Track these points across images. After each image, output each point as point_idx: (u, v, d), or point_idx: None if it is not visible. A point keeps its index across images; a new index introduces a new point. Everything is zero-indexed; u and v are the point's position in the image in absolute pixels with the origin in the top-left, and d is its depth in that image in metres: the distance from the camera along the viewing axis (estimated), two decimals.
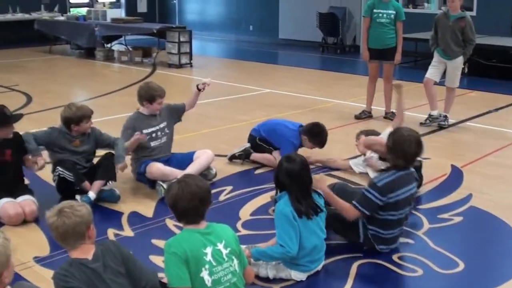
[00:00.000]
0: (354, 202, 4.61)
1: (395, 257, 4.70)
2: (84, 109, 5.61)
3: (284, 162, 4.31)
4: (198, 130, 8.37)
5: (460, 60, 8.74)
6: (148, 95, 6.09)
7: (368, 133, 6.85)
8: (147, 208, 5.60)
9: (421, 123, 8.87)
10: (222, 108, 10.08)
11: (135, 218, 5.38)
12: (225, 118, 9.25)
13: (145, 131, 6.11)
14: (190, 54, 14.79)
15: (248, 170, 6.77)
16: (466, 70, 13.53)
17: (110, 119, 8.99)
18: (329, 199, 4.63)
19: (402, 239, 4.92)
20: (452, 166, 6.91)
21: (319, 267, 4.41)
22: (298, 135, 6.80)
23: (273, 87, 11.95)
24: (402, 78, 9.40)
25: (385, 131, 6.38)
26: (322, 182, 4.63)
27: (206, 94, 11.22)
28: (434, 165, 6.85)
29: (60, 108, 9.81)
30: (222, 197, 5.87)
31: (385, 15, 8.83)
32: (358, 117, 9.24)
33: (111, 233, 5.03)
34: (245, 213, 5.50)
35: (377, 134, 6.74)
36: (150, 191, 5.98)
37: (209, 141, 7.80)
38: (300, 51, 18.23)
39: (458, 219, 5.49)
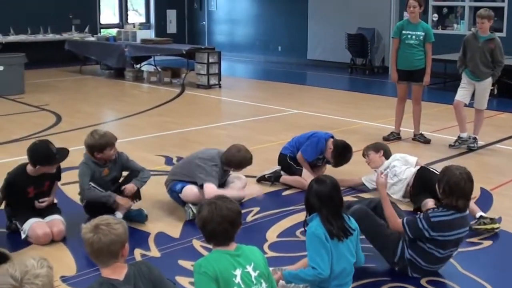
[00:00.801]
0: (404, 219, 4.63)
1: (423, 282, 4.65)
2: (108, 137, 5.61)
3: (314, 184, 4.31)
4: None
5: (489, 81, 8.68)
6: (238, 162, 6.16)
7: (376, 146, 6.97)
8: (174, 228, 5.62)
9: (450, 145, 8.80)
10: (248, 129, 10.10)
11: (162, 238, 5.40)
12: (251, 139, 9.25)
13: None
14: (219, 75, 14.87)
15: (276, 191, 6.78)
16: (495, 91, 13.41)
17: (139, 139, 9.07)
18: (383, 203, 4.72)
19: None
20: (481, 188, 6.82)
21: None
22: (325, 141, 6.85)
23: (301, 108, 11.95)
24: (431, 99, 9.34)
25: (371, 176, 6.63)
26: (383, 183, 4.78)
27: (232, 116, 11.38)
28: None
29: (90, 128, 10.09)
30: (249, 218, 5.87)
31: (414, 37, 8.80)
32: (386, 139, 9.19)
33: (138, 253, 5.05)
34: (272, 234, 5.49)
35: (386, 148, 6.90)
36: (178, 211, 6.00)
37: None
38: (328, 72, 18.23)
39: (487, 243, 5.42)
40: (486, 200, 6.48)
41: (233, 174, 6.44)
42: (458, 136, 8.89)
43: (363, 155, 6.96)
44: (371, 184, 6.69)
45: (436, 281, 4.68)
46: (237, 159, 6.03)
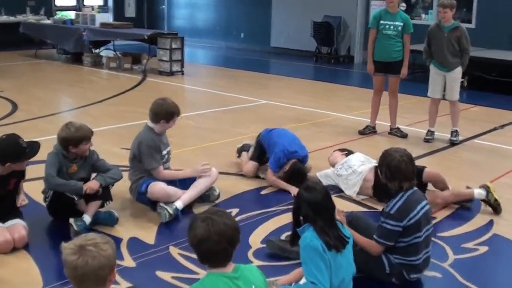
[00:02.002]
0: (375, 237, 4.35)
1: None
2: (84, 130, 5.11)
3: (304, 192, 3.91)
4: (196, 144, 7.93)
5: (458, 71, 8.45)
6: (167, 112, 5.64)
7: (343, 149, 6.89)
8: (148, 233, 5.15)
9: (425, 140, 8.55)
10: (217, 120, 9.63)
11: (136, 245, 4.92)
12: (223, 131, 8.82)
13: (163, 152, 5.74)
14: (182, 61, 14.34)
15: (254, 190, 6.35)
16: (465, 84, 13.24)
17: (102, 130, 8.50)
18: (354, 237, 4.27)
19: (428, 273, 4.54)
20: (468, 188, 6.51)
21: None
22: (286, 158, 6.44)
23: (269, 98, 11.53)
24: (401, 91, 9.00)
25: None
26: (341, 216, 4.36)
27: (198, 105, 10.88)
28: (450, 185, 6.48)
29: (49, 117, 9.50)
30: None
31: (392, 27, 8.45)
32: (362, 133, 8.85)
33: None
34: (256, 240, 5.06)
35: (351, 151, 6.74)
36: (151, 213, 5.53)
37: (207, 157, 7.34)
38: (292, 60, 17.84)
39: (483, 249, 5.10)
40: (474, 202, 6.16)
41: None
42: (428, 130, 8.70)
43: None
44: (325, 180, 6.45)
45: None
46: (164, 107, 5.65)
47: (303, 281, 4.01)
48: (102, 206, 5.25)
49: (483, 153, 8.22)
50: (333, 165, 6.57)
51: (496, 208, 5.79)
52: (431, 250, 4.49)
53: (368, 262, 4.32)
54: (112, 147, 7.63)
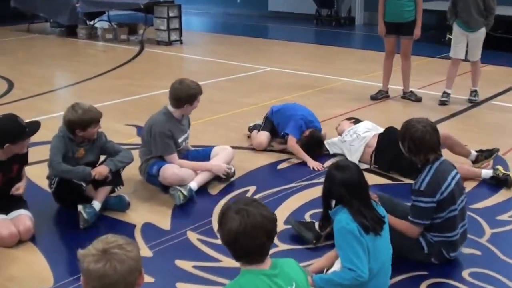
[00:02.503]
0: (410, 218, 4.01)
1: (465, 274, 3.99)
2: (92, 112, 4.72)
3: (336, 172, 3.59)
4: (204, 117, 7.53)
5: (483, 31, 8.13)
6: (189, 95, 5.22)
7: (350, 118, 6.65)
8: (162, 217, 4.81)
9: (440, 102, 8.28)
10: (223, 90, 9.23)
11: (150, 231, 4.58)
12: (230, 102, 8.43)
13: (179, 140, 5.35)
14: (180, 30, 13.90)
15: (270, 165, 5.99)
16: None
17: (103, 106, 8.11)
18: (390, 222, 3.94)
19: (467, 250, 4.23)
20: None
21: None
22: (306, 126, 6.25)
23: (272, 65, 11.13)
24: (417, 53, 8.64)
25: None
26: (373, 195, 3.95)
27: (201, 75, 10.47)
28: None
29: (47, 94, 9.11)
30: None
31: None
32: (374, 98, 8.48)
33: None
34: (279, 219, 4.67)
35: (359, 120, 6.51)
36: (163, 195, 5.19)
37: (218, 130, 7.05)
38: (292, 24, 17.39)
39: None
40: (502, 167, 5.83)
41: (218, 146, 5.66)
42: (444, 92, 8.40)
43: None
44: (332, 147, 6.20)
45: (479, 273, 4.02)
46: (183, 91, 5.19)
47: (337, 265, 3.70)
48: (112, 191, 4.90)
49: (503, 115, 7.87)
50: (340, 134, 6.31)
51: (505, 180, 5.38)
52: (467, 223, 4.16)
53: (404, 243, 3.97)
54: (115, 123, 7.26)
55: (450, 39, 12.52)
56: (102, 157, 5.02)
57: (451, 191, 3.91)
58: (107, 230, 4.58)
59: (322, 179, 5.43)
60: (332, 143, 6.23)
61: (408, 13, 8.09)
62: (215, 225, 4.60)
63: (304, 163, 5.97)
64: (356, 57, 12.32)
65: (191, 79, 5.35)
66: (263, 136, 6.34)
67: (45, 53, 13.04)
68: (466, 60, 8.33)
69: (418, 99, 8.39)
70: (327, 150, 6.21)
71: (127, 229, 4.59)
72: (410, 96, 8.45)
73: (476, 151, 5.89)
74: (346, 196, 3.48)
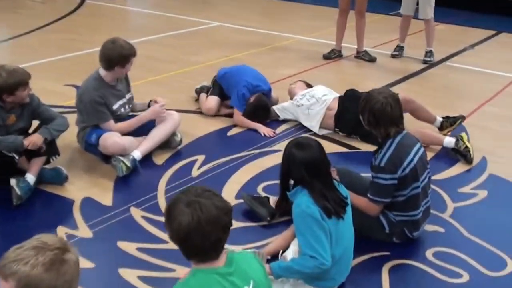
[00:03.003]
0: (369, 195, 3.73)
1: (429, 255, 3.77)
2: (19, 74, 4.24)
3: (295, 150, 3.26)
4: (146, 77, 7.10)
5: None
6: (121, 56, 4.73)
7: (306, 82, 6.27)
8: (103, 191, 4.42)
9: (392, 55, 8.24)
10: (168, 47, 8.76)
11: (91, 208, 4.19)
12: (175, 60, 7.98)
13: (114, 106, 4.89)
14: None
15: (219, 131, 5.63)
16: None
17: (41, 63, 7.62)
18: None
19: (430, 227, 4.00)
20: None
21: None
22: (249, 93, 5.85)
23: (222, 19, 10.66)
24: (369, 10, 8.32)
25: None
26: (334, 174, 3.65)
27: (145, 30, 9.95)
28: None
29: None
30: (195, 172, 4.74)
31: None
32: (327, 57, 8.16)
33: (61, 232, 3.83)
34: (230, 194, 4.38)
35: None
36: (104, 166, 4.78)
37: (161, 91, 6.56)
38: None
39: (482, 193, 4.58)
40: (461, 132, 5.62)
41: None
42: (398, 45, 8.41)
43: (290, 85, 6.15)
44: (282, 113, 5.87)
45: (443, 252, 3.80)
46: (115, 51, 4.70)
47: (293, 247, 3.42)
48: (47, 162, 4.46)
49: (459, 76, 7.67)
50: (292, 97, 5.98)
51: (465, 156, 5.06)
52: (430, 199, 3.92)
53: (364, 222, 3.70)
54: (54, 83, 6.78)
55: None
56: (35, 123, 4.57)
57: (413, 167, 3.64)
58: (43, 206, 4.23)
59: (275, 147, 5.22)
60: (283, 108, 5.89)
61: None
62: (160, 201, 4.25)
63: (254, 129, 5.65)
64: (308, 12, 11.93)
65: (125, 39, 4.86)
66: (212, 101, 5.96)
67: None
68: (420, 18, 8.06)
69: (372, 59, 8.11)
70: (278, 116, 5.88)
71: (64, 205, 4.22)
72: (364, 56, 8.16)
73: (442, 117, 5.61)
74: (306, 177, 3.18)
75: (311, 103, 5.67)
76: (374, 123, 3.71)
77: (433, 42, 8.17)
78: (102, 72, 4.78)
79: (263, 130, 5.58)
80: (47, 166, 4.49)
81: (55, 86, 6.66)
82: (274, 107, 5.93)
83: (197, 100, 6.25)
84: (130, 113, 5.13)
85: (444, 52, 8.65)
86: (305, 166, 3.17)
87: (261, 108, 5.77)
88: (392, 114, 3.66)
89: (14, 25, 10.14)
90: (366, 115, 3.73)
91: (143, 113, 5.02)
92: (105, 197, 4.32)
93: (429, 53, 8.16)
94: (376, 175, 3.65)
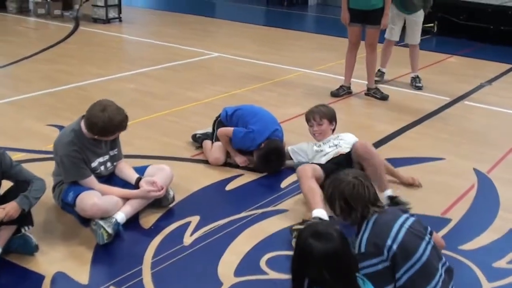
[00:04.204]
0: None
1: None
2: None
3: (313, 241, 2.58)
4: (137, 117, 6.44)
5: (420, 13, 7.91)
6: (105, 128, 4.08)
7: (331, 114, 5.29)
8: (80, 264, 3.74)
9: (376, 80, 7.83)
10: (163, 80, 8.15)
11: (63, 287, 3.54)
12: (170, 96, 7.37)
13: (93, 164, 4.25)
14: (119, 6, 12.73)
15: (217, 184, 4.97)
16: (435, 29, 12.16)
17: (25, 98, 7.03)
18: None
19: None
20: (476, 171, 5.34)
21: None
22: (258, 140, 5.23)
23: (222, 50, 10.09)
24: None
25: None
26: None
27: (139, 61, 9.37)
28: (456, 169, 5.33)
29: None
30: (187, 239, 4.08)
31: None
32: (335, 95, 7.55)
33: None
34: (228, 269, 3.73)
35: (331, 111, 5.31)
36: (83, 229, 4.13)
37: (153, 134, 6.01)
38: (241, 2, 16.28)
39: None
40: (487, 189, 5.01)
41: (154, 166, 4.61)
42: (379, 70, 8.23)
43: (309, 119, 5.25)
44: (295, 155, 5.26)
45: None
46: (100, 121, 4.02)
47: None
48: (17, 231, 3.81)
49: (479, 118, 7.05)
50: (319, 141, 5.17)
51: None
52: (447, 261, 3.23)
53: None
54: (36, 123, 6.21)
55: None
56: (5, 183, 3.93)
57: (402, 242, 2.96)
58: (8, 283, 3.57)
59: (279, 206, 4.54)
60: (299, 150, 5.25)
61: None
62: (145, 278, 3.60)
63: (256, 181, 5.02)
64: (312, 43, 11.37)
65: (119, 107, 4.15)
66: (220, 150, 5.34)
67: None
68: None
69: (384, 97, 7.50)
70: (291, 159, 5.27)
71: (33, 282, 3.56)
72: (375, 93, 7.56)
73: (390, 197, 4.54)
74: (327, 276, 2.52)
75: (332, 151, 4.97)
76: (348, 210, 3.10)
77: (418, 67, 8.16)
78: (83, 125, 4.15)
79: (238, 160, 5.25)
80: (14, 235, 3.81)
81: (37, 126, 6.08)
82: (289, 148, 5.30)
83: (199, 147, 5.62)
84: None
85: (460, 89, 8.07)
86: (325, 263, 2.53)
87: (274, 153, 5.14)
88: (368, 194, 3.09)
89: (2, 53, 9.53)
90: (337, 203, 3.12)
91: (133, 191, 4.29)
92: (81, 273, 3.65)
93: (417, 79, 8.08)
94: (362, 265, 2.95)
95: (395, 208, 3.23)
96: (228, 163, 5.33)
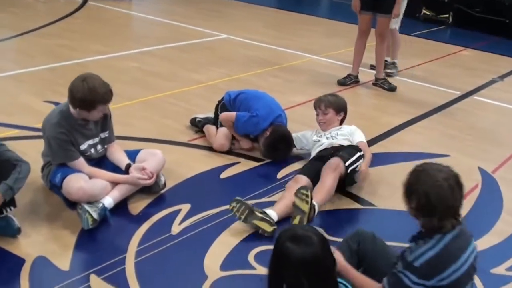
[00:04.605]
0: (385, 282, 2.86)
1: None
2: None
3: (290, 245, 2.44)
4: (137, 96, 6.35)
5: None
6: (86, 100, 3.90)
7: (339, 104, 5.10)
8: (62, 249, 3.62)
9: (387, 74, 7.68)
10: (168, 60, 7.99)
11: (42, 272, 3.41)
12: (174, 76, 7.22)
13: (82, 146, 4.11)
14: None
15: (211, 171, 4.82)
16: (450, 20, 11.91)
17: (25, 72, 6.90)
18: (346, 274, 2.94)
19: None
20: (480, 170, 5.17)
21: None
22: (262, 125, 5.08)
23: (231, 32, 9.91)
24: None
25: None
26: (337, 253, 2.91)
27: (146, 39, 9.21)
28: (460, 167, 5.12)
29: None
30: (175, 227, 3.94)
31: None
32: (342, 83, 7.38)
33: None
34: (214, 263, 3.60)
35: (346, 109, 5.13)
36: (70, 212, 4.00)
37: (151, 115, 5.88)
38: None
39: None
40: (491, 191, 4.83)
41: (146, 150, 4.47)
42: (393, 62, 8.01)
43: (316, 106, 5.10)
44: (300, 142, 5.13)
45: None
46: (80, 91, 3.85)
47: None
48: None
49: (488, 114, 6.86)
50: (324, 130, 5.01)
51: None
52: None
53: None
54: (33, 98, 6.09)
55: (425, 15, 11.63)
56: None
57: (457, 278, 2.72)
58: None
59: (274, 197, 4.41)
60: (303, 137, 5.12)
61: None
62: (128, 267, 3.46)
63: (253, 170, 4.88)
64: (323, 28, 11.17)
65: (104, 81, 3.99)
66: (225, 136, 5.19)
67: None
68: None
69: (392, 88, 7.32)
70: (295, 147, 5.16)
71: (12, 266, 3.43)
72: (383, 84, 7.37)
73: None
74: (304, 281, 2.38)
75: (326, 143, 4.84)
76: (426, 210, 2.75)
77: (398, 54, 7.84)
78: (71, 105, 4.01)
79: (243, 143, 5.19)
80: None
81: (34, 102, 5.95)
82: (293, 135, 5.14)
83: (198, 131, 5.48)
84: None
85: (470, 83, 7.87)
86: (303, 268, 2.38)
87: (283, 140, 5.01)
88: (454, 202, 2.75)
89: (7, 25, 9.41)
90: (416, 197, 2.77)
91: (122, 177, 4.14)
92: (63, 258, 3.53)
93: (391, 65, 7.81)
94: (401, 270, 2.77)
95: (465, 231, 2.85)
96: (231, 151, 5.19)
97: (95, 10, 11.26)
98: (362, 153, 4.58)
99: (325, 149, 4.74)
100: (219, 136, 5.19)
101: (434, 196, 2.67)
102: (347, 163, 4.37)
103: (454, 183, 2.72)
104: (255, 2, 13.19)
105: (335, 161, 4.33)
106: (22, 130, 5.25)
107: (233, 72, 7.49)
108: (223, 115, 5.21)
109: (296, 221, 3.86)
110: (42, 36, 8.89)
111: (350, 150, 4.57)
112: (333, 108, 5.03)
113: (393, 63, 7.87)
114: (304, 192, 3.92)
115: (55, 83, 6.60)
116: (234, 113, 5.16)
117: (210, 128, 5.35)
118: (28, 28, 9.16)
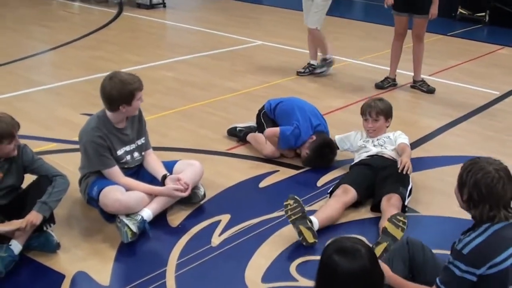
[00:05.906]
0: (438, 281, 2.78)
1: None
2: (3, 126, 3.52)
3: (338, 258, 2.32)
4: (173, 106, 6.32)
5: None
6: (125, 93, 3.91)
7: (388, 110, 4.92)
8: (102, 263, 3.61)
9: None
10: (203, 69, 7.96)
11: (83, 287, 3.39)
12: (209, 85, 7.18)
13: (118, 152, 4.10)
14: None
15: (250, 180, 4.77)
16: (487, 18, 11.67)
17: (62, 85, 6.95)
18: (397, 285, 2.90)
19: None
20: None
21: None
22: (304, 137, 5.02)
23: (265, 38, 9.86)
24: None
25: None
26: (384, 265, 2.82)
27: (180, 48, 9.20)
28: None
29: (4, 66, 7.80)
30: (215, 239, 3.89)
31: None
32: (380, 86, 7.26)
33: None
34: (255, 276, 3.53)
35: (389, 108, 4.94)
36: (108, 226, 3.98)
37: (188, 125, 5.85)
38: None
39: None
40: None
41: (184, 161, 4.43)
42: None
43: (365, 113, 4.90)
44: (342, 144, 5.05)
45: None
46: (113, 88, 3.91)
47: None
48: (39, 229, 3.67)
49: None
50: (372, 138, 4.87)
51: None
52: None
53: None
54: (70, 111, 6.11)
55: (461, 14, 11.43)
56: (28, 177, 3.81)
57: (505, 269, 2.66)
58: (28, 281, 3.44)
59: (314, 206, 4.32)
60: (346, 139, 5.02)
61: None
62: (169, 282, 3.42)
63: (292, 178, 4.82)
64: (360, 31, 11.02)
65: (127, 72, 4.07)
66: (275, 143, 5.14)
67: (12, 16, 11.50)
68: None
69: (430, 90, 7.17)
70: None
71: (52, 282, 3.43)
72: (421, 86, 7.23)
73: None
74: None
75: (375, 150, 4.75)
76: (477, 201, 2.74)
77: (317, 56, 7.71)
78: (108, 111, 4.01)
79: (286, 153, 5.15)
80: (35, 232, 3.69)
81: (71, 115, 5.97)
82: (336, 137, 5.09)
83: (240, 140, 5.44)
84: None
85: (509, 82, 7.68)
86: (351, 281, 2.30)
87: (327, 146, 4.98)
88: (504, 193, 2.73)
89: (43, 38, 9.59)
90: (468, 189, 2.77)
91: (157, 188, 4.11)
92: (103, 272, 3.51)
93: (322, 62, 7.73)
94: (452, 261, 2.72)
95: None
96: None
97: (129, 20, 11.32)
98: (411, 186, 4.46)
99: (373, 156, 4.64)
100: (270, 143, 5.15)
101: (484, 185, 2.69)
102: (406, 202, 4.29)
103: (505, 175, 2.71)
104: (287, 7, 13.11)
105: (395, 201, 4.18)
106: (59, 143, 5.27)
107: (268, 78, 7.44)
108: (268, 132, 5.14)
109: (380, 248, 3.66)
110: (78, 48, 8.94)
111: (404, 181, 4.40)
112: (383, 115, 4.88)
113: (325, 59, 7.67)
114: (402, 219, 3.78)
115: (92, 95, 6.58)
116: (278, 129, 5.08)
117: (257, 136, 5.31)
118: (63, 41, 9.22)
